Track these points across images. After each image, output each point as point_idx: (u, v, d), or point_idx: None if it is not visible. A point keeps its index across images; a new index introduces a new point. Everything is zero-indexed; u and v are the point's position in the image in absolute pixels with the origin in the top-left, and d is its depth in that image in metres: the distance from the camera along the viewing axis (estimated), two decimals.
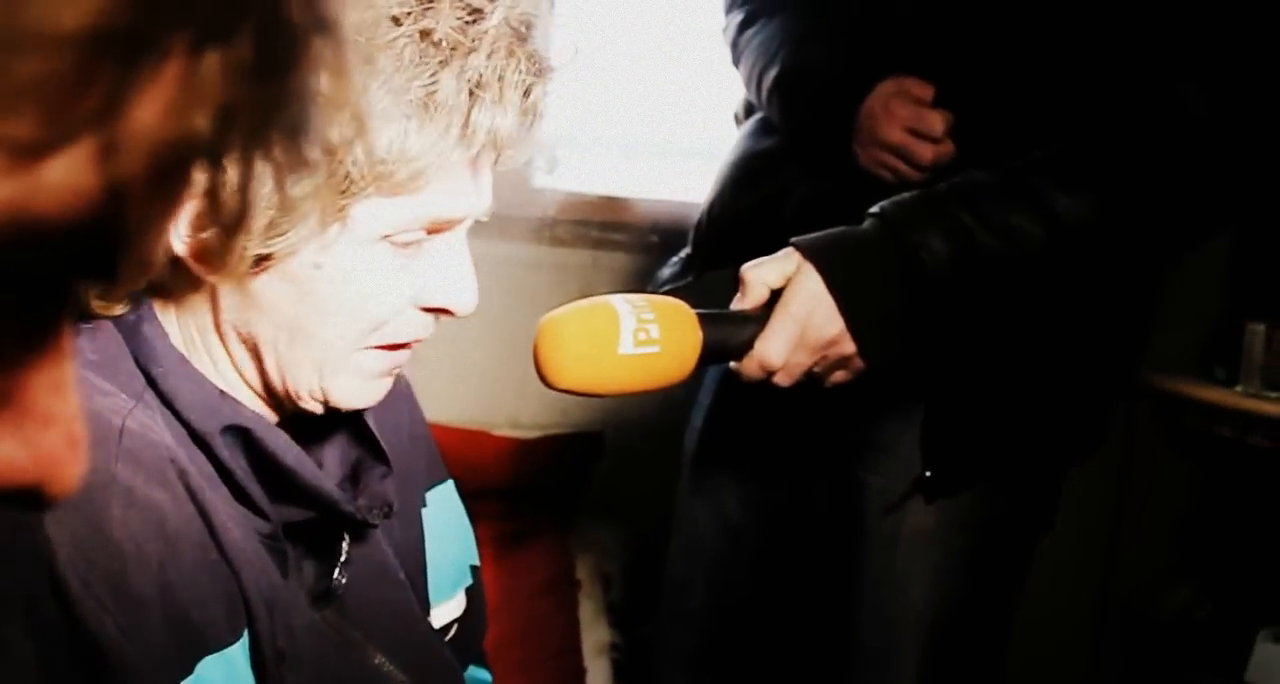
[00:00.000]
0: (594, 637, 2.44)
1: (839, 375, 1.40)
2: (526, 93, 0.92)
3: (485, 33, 0.89)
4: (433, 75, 0.87)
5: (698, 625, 1.96)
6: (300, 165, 0.38)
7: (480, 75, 0.89)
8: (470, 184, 0.95)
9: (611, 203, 2.72)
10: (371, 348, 0.96)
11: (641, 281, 2.10)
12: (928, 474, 1.66)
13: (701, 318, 1.27)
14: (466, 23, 0.89)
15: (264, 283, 0.90)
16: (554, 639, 2.38)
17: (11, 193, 0.32)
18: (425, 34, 0.87)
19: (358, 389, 0.97)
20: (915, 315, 1.41)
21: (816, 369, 1.38)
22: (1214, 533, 2.76)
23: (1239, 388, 2.58)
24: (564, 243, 2.67)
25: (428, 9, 0.88)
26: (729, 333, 1.33)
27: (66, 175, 0.32)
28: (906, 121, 1.57)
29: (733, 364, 1.36)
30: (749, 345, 1.34)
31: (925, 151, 1.57)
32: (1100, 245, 1.48)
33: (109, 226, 0.34)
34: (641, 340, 1.20)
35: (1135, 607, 2.82)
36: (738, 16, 1.84)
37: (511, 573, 2.38)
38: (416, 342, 0.99)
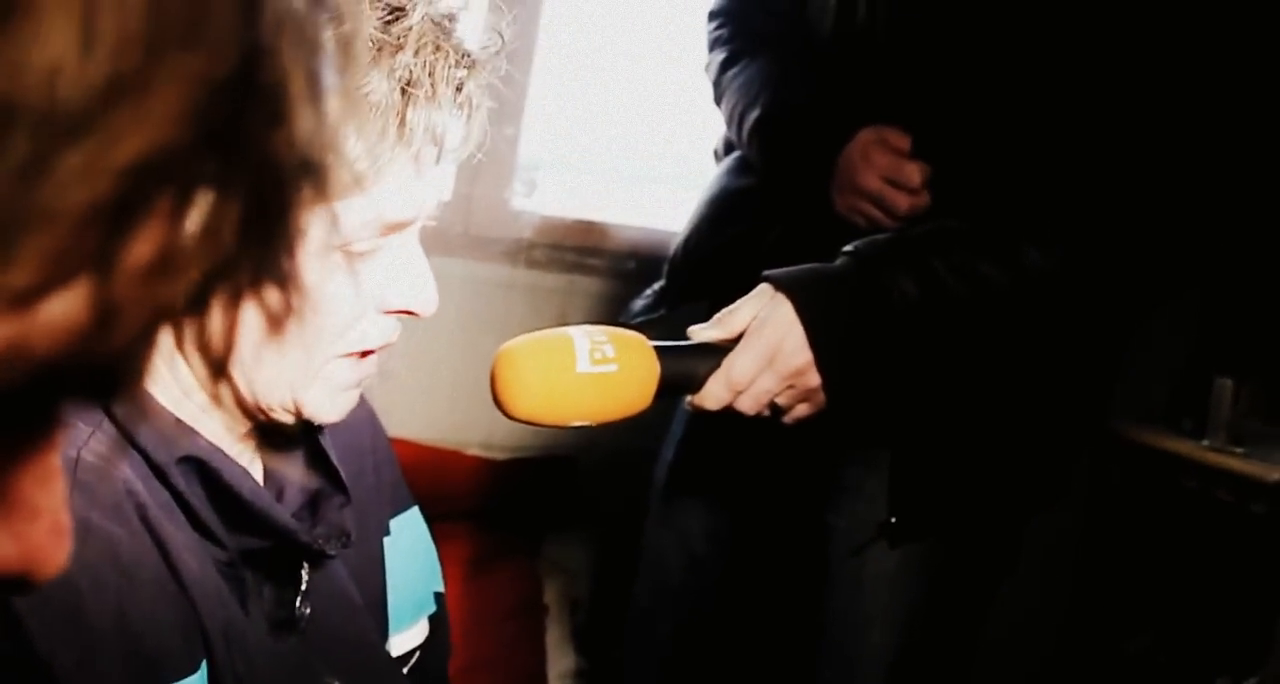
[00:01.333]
0: (561, 662, 2.43)
1: (802, 409, 1.40)
2: (459, 87, 0.93)
3: (409, 29, 0.89)
4: (363, 77, 0.87)
5: (662, 656, 1.97)
6: (286, 314, 0.39)
7: (410, 72, 0.89)
8: (415, 183, 0.94)
9: (589, 228, 2.72)
10: (340, 357, 0.96)
11: (617, 307, 2.10)
12: (893, 519, 1.68)
13: (662, 348, 1.27)
14: (388, 22, 0.89)
15: None
16: (521, 664, 2.38)
17: (8, 333, 0.33)
18: None
19: (329, 401, 0.97)
20: (882, 355, 1.42)
21: (780, 399, 1.38)
22: (1175, 581, 2.78)
23: (1205, 442, 2.60)
24: (540, 266, 2.66)
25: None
26: (690, 364, 1.33)
27: (62, 313, 0.33)
28: (884, 171, 1.60)
29: (690, 399, 1.35)
30: (710, 376, 1.33)
31: (901, 201, 1.60)
32: (1065, 298, 1.50)
33: (101, 356, 0.35)
34: (598, 359, 1.20)
35: (1096, 652, 2.83)
36: (720, 55, 1.86)
37: (479, 596, 2.37)
38: (384, 347, 0.99)
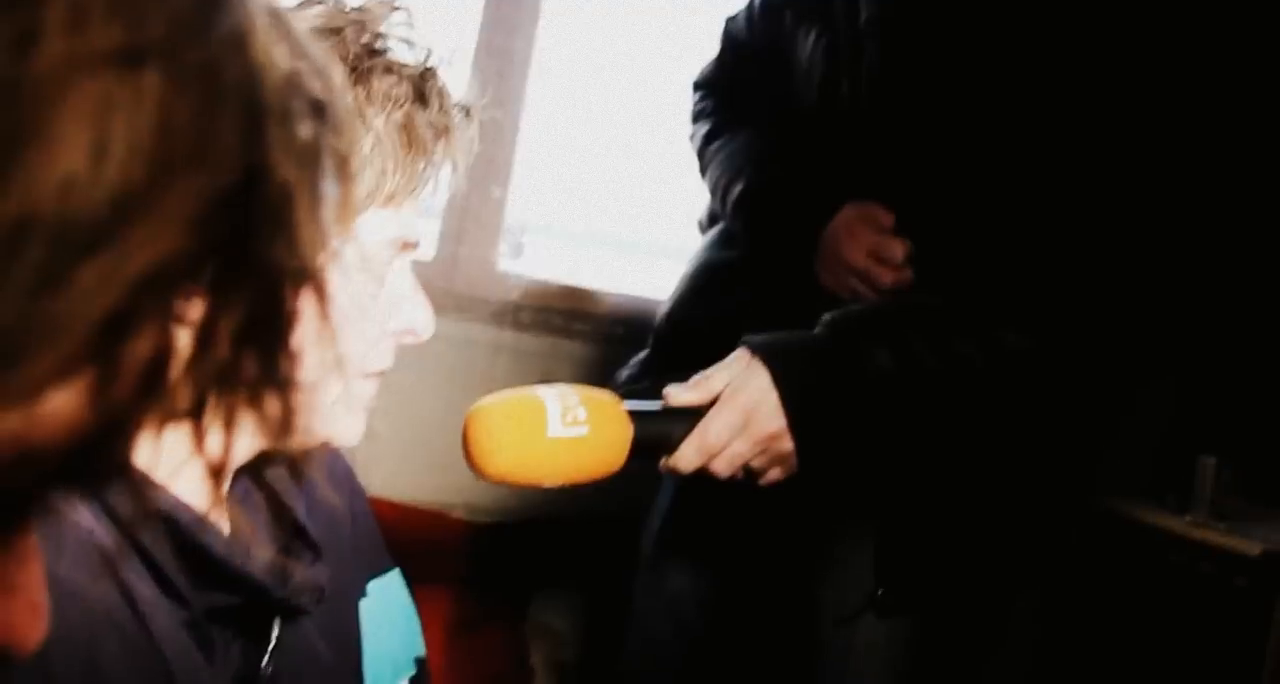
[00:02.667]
0: None
1: (775, 473, 1.41)
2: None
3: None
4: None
5: None
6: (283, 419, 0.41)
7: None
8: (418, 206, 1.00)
9: (576, 292, 2.73)
10: (361, 378, 0.99)
11: (603, 371, 2.11)
12: (880, 591, 1.68)
13: (636, 412, 1.29)
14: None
15: None
16: None
17: (9, 427, 0.34)
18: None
19: (353, 422, 1.00)
20: (857, 424, 1.43)
21: (754, 463, 1.39)
22: (1159, 653, 2.79)
23: (1188, 517, 2.63)
24: (526, 328, 2.67)
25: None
26: (665, 426, 1.34)
27: (62, 409, 0.35)
28: (869, 247, 1.62)
29: (665, 461, 1.36)
30: (684, 439, 1.34)
31: (886, 276, 1.62)
32: (1040, 378, 1.52)
33: (95, 452, 0.37)
34: (569, 422, 1.20)
35: None
36: (704, 127, 1.89)
37: (464, 660, 2.36)
38: (382, 372, 1.02)
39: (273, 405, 0.40)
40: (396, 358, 1.03)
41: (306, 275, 0.39)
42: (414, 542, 2.24)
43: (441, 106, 0.97)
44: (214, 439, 0.40)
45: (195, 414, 0.38)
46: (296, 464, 1.03)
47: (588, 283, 2.77)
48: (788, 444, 1.39)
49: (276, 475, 1.04)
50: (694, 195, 2.04)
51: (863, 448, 1.47)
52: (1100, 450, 1.80)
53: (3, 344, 0.32)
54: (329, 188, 0.40)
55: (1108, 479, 2.03)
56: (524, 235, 2.70)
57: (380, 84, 0.94)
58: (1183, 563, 2.63)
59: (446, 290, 2.55)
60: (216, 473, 0.42)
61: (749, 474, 1.40)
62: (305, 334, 0.41)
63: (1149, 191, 1.53)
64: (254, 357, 0.39)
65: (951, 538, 1.68)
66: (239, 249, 0.37)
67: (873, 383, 1.42)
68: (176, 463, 0.93)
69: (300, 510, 1.04)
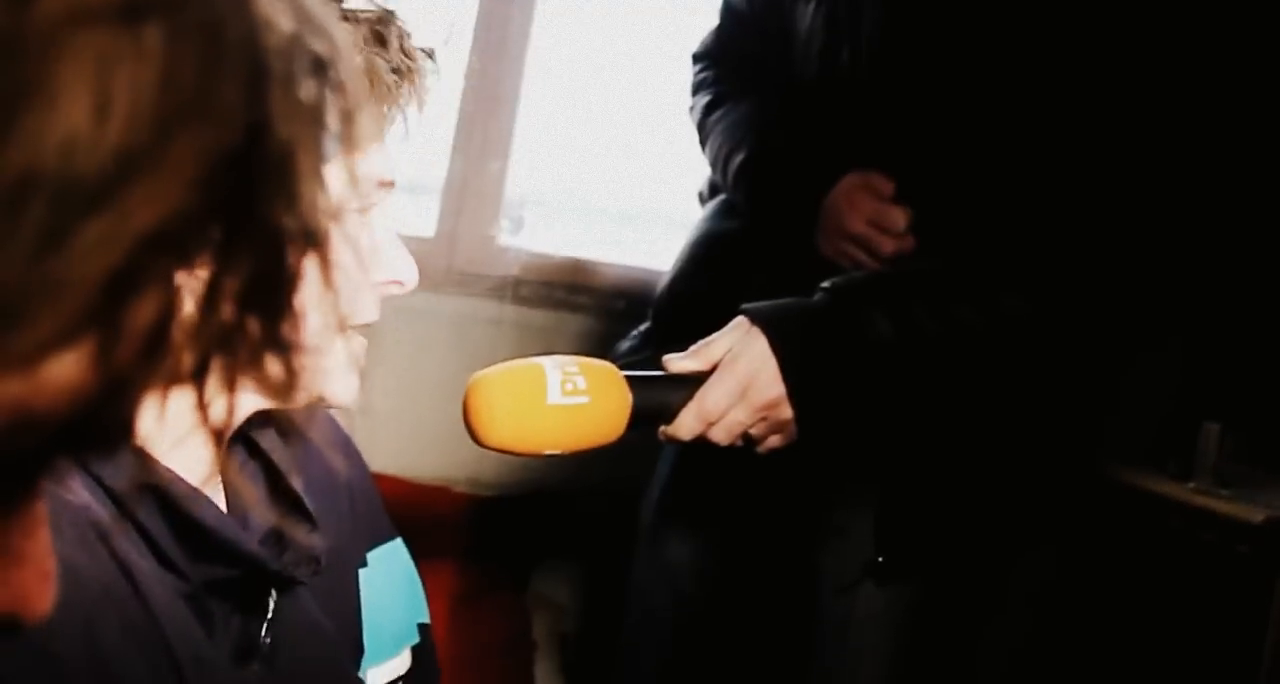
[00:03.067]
0: None
1: (774, 440, 1.41)
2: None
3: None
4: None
5: None
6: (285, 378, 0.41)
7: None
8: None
9: (578, 266, 2.74)
10: (346, 332, 0.99)
11: (605, 345, 2.11)
12: (880, 559, 1.69)
13: (633, 378, 1.29)
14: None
15: None
16: None
17: (13, 392, 0.34)
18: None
19: (345, 380, 0.99)
20: (856, 391, 1.44)
21: (753, 431, 1.39)
22: (1159, 621, 2.79)
23: (1191, 484, 2.62)
24: (527, 303, 2.67)
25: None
26: (664, 394, 1.35)
27: (66, 374, 0.35)
28: (869, 215, 1.63)
29: (663, 429, 1.36)
30: (683, 407, 1.35)
31: (887, 244, 1.62)
32: (1041, 343, 1.52)
33: (99, 417, 0.37)
34: (569, 390, 1.21)
35: None
36: (704, 98, 1.89)
37: (467, 632, 2.37)
38: (367, 325, 1.02)
39: (275, 367, 0.40)
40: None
41: (309, 236, 0.39)
42: (417, 516, 2.25)
43: (403, 49, 0.97)
44: (217, 403, 0.40)
45: (198, 377, 0.39)
46: (292, 427, 1.04)
47: (588, 256, 2.77)
48: (787, 412, 1.39)
49: (273, 445, 1.05)
50: (694, 167, 2.04)
51: (862, 415, 1.47)
52: (1102, 416, 1.80)
53: (4, 305, 0.33)
54: (332, 148, 0.40)
55: (1110, 446, 2.03)
56: (523, 209, 2.70)
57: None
58: (1185, 530, 2.63)
59: (447, 266, 2.55)
60: (218, 437, 0.42)
61: (748, 442, 1.41)
62: (308, 296, 0.41)
63: (1149, 156, 1.53)
64: (257, 319, 0.39)
65: (952, 505, 1.69)
66: (242, 209, 0.37)
67: (872, 349, 1.43)
68: (173, 437, 0.94)
69: (297, 481, 1.04)
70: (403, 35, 0.98)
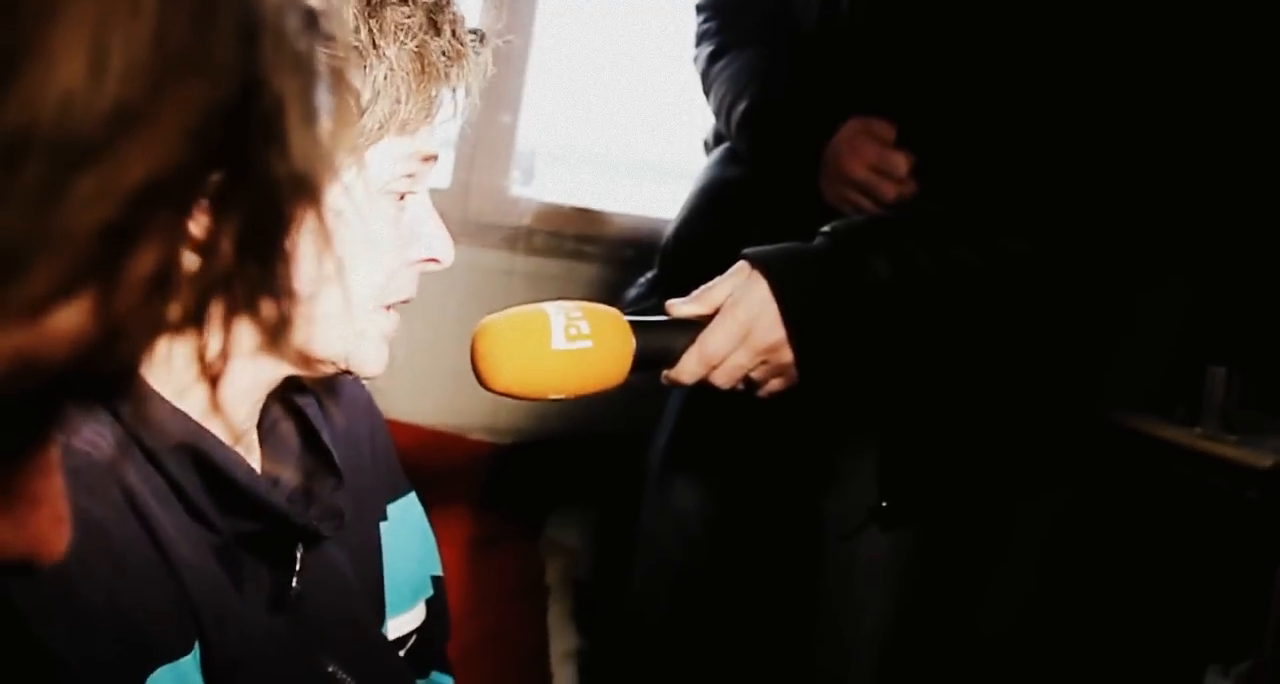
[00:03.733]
0: (563, 642, 2.46)
1: (775, 384, 1.43)
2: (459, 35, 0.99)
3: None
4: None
5: (661, 638, 1.99)
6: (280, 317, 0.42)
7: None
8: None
9: (588, 215, 2.74)
10: (382, 308, 1.01)
11: (613, 294, 2.12)
12: (884, 504, 1.70)
13: (636, 323, 1.30)
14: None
15: None
16: (523, 645, 2.40)
17: (16, 342, 0.35)
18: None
19: (375, 353, 1.02)
20: (856, 333, 1.45)
21: (754, 374, 1.40)
22: (1166, 567, 2.79)
23: (1198, 429, 2.61)
24: (539, 252, 2.69)
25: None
26: (666, 339, 1.36)
27: (68, 324, 0.36)
28: (871, 160, 1.63)
29: (666, 373, 1.38)
30: (685, 351, 1.36)
31: (889, 189, 1.62)
32: (1041, 284, 1.52)
33: (103, 364, 0.38)
34: (573, 335, 1.23)
35: (1086, 637, 2.84)
36: (708, 48, 1.88)
37: (481, 578, 2.40)
38: (405, 302, 1.04)
39: (269, 311, 0.41)
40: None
41: (303, 186, 0.40)
42: (433, 464, 2.27)
43: (454, 33, 0.98)
44: (213, 344, 0.42)
45: (195, 322, 0.40)
46: (321, 388, 1.06)
47: (598, 205, 2.77)
48: (787, 355, 1.40)
49: (305, 402, 1.07)
50: (700, 116, 2.05)
51: (864, 358, 1.48)
52: (1106, 360, 1.80)
53: (5, 257, 0.33)
54: (324, 99, 0.41)
55: (1115, 391, 2.03)
56: (535, 160, 2.70)
57: (393, 14, 0.94)
58: (1192, 476, 2.63)
59: (460, 218, 2.55)
60: (213, 380, 0.44)
61: (750, 385, 1.42)
62: (303, 245, 0.41)
63: (1150, 96, 1.52)
64: (253, 265, 0.40)
65: (955, 450, 1.70)
66: (237, 161, 0.38)
67: (872, 292, 1.43)
68: (207, 397, 0.96)
69: (326, 437, 1.07)
70: (456, 20, 0.99)
